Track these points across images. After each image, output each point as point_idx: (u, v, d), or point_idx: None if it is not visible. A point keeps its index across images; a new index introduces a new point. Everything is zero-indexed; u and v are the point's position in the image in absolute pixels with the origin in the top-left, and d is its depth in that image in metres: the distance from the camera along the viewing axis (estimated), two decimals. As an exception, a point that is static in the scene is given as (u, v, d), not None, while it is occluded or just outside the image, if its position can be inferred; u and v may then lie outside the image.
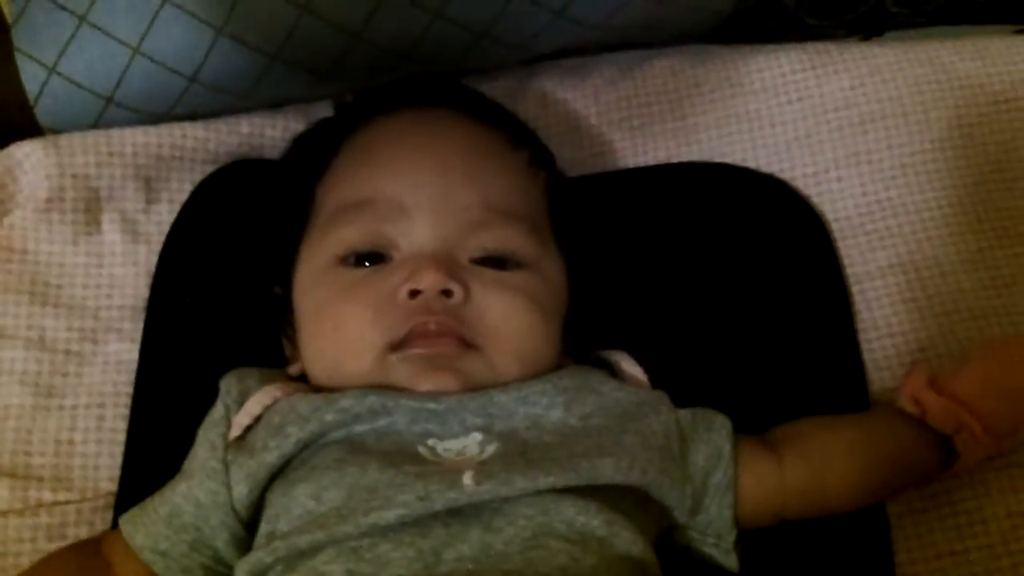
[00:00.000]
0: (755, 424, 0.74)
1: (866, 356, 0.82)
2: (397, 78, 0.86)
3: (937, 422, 0.71)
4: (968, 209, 0.87)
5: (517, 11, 0.86)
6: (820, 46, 0.94)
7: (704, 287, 0.83)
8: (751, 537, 0.72)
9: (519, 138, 0.78)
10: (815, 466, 0.72)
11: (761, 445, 0.73)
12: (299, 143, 0.83)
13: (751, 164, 0.90)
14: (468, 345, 0.68)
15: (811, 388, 0.80)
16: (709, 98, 0.92)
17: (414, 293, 0.68)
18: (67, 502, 0.77)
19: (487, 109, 0.81)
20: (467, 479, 0.62)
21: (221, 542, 0.68)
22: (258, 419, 0.69)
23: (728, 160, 0.90)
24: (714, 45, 0.95)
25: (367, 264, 0.71)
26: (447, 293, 0.68)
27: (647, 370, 0.75)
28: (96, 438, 0.79)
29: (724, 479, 0.70)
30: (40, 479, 0.77)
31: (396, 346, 0.68)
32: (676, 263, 0.84)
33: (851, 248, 0.87)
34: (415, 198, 0.71)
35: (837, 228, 0.87)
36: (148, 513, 0.70)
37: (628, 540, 0.63)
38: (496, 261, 0.71)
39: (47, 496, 0.77)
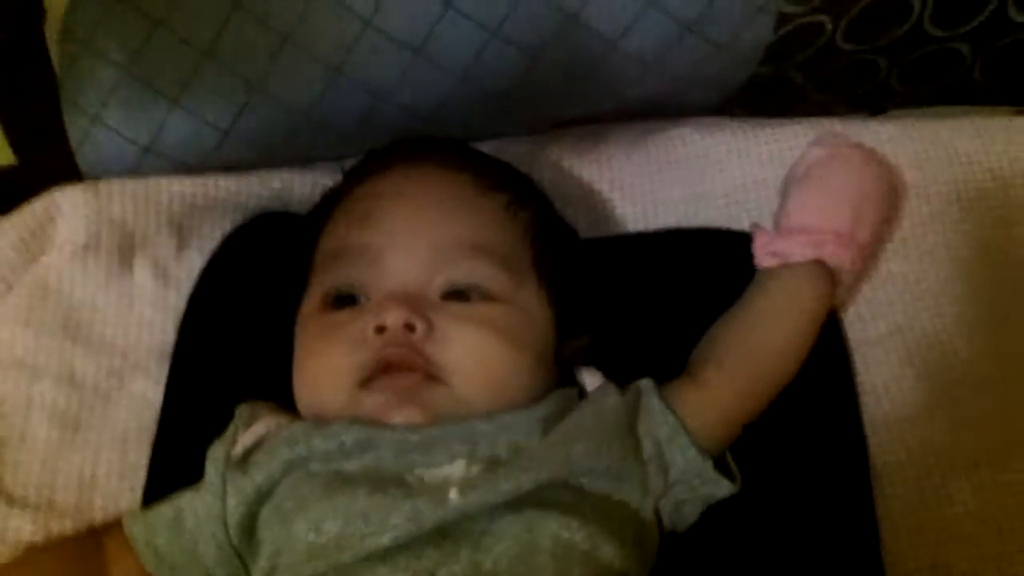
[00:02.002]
0: (758, 483, 0.77)
1: (865, 418, 0.84)
2: (412, 137, 0.90)
3: (797, 255, 0.80)
4: (966, 281, 0.90)
5: (535, 81, 0.90)
6: (825, 121, 0.97)
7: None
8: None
9: (499, 183, 0.81)
10: (733, 364, 0.78)
11: (683, 380, 0.78)
12: (315, 205, 0.87)
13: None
14: (433, 378, 0.71)
15: (813, 447, 0.82)
16: (718, 168, 0.95)
17: (380, 329, 0.71)
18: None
19: (468, 159, 0.84)
20: (453, 494, 0.66)
21: (211, 556, 0.72)
22: (260, 442, 0.73)
23: (735, 228, 0.92)
24: (724, 117, 0.98)
25: (344, 306, 0.75)
26: (410, 328, 0.71)
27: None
28: (119, 473, 0.82)
29: (668, 427, 0.74)
30: (63, 513, 0.79)
31: (365, 382, 0.71)
32: (683, 325, 0.85)
33: (852, 314, 0.89)
34: (387, 242, 0.75)
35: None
36: (153, 513, 0.74)
37: (610, 553, 0.67)
38: (463, 294, 0.74)
39: (69, 528, 0.79)
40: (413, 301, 0.72)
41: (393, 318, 0.71)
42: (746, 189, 0.94)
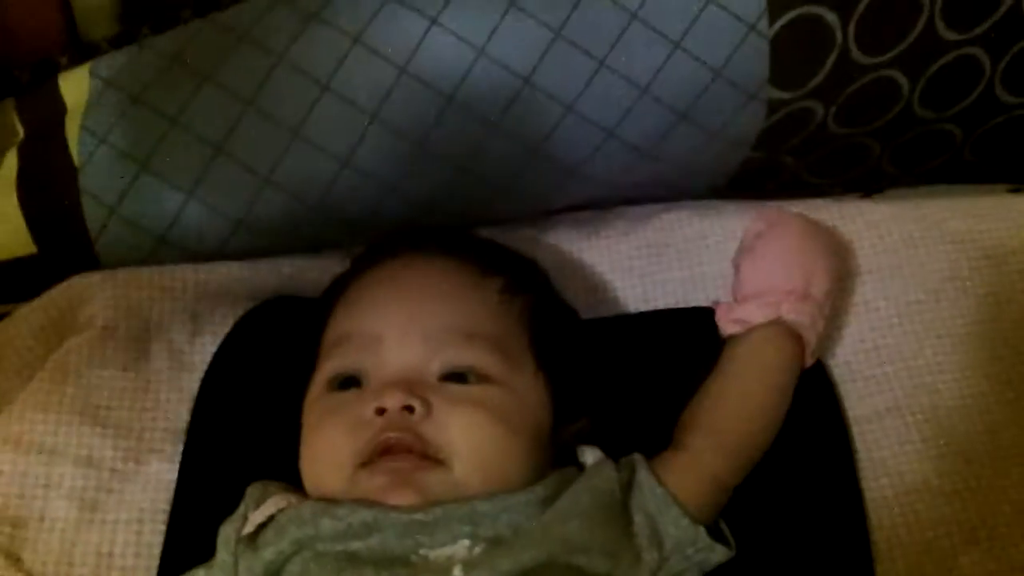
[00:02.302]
0: (758, 558, 0.78)
1: (865, 494, 0.85)
2: (415, 227, 0.93)
3: (757, 317, 0.84)
4: (963, 357, 0.91)
5: (535, 171, 0.93)
6: (820, 202, 0.98)
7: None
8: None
9: (494, 268, 0.83)
10: (713, 428, 0.81)
11: (669, 451, 0.80)
12: (323, 292, 0.90)
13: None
14: (430, 459, 0.73)
15: (813, 523, 0.83)
16: (715, 249, 0.97)
17: (380, 411, 0.74)
18: (103, 613, 0.80)
19: (466, 247, 0.87)
20: (457, 571, 0.68)
21: None
22: (271, 520, 0.74)
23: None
24: (720, 200, 1.01)
25: (347, 389, 0.78)
26: (409, 409, 0.73)
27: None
28: (134, 552, 0.83)
29: (657, 499, 0.75)
30: (80, 590, 0.81)
31: (364, 464, 0.73)
32: (683, 403, 0.86)
33: (850, 391, 0.90)
34: (385, 328, 0.78)
35: (837, 372, 0.91)
36: None
37: None
38: (460, 376, 0.76)
39: (86, 606, 0.80)
40: (411, 384, 0.75)
41: (392, 400, 0.73)
42: (742, 268, 0.96)
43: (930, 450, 0.87)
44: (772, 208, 0.95)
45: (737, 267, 0.90)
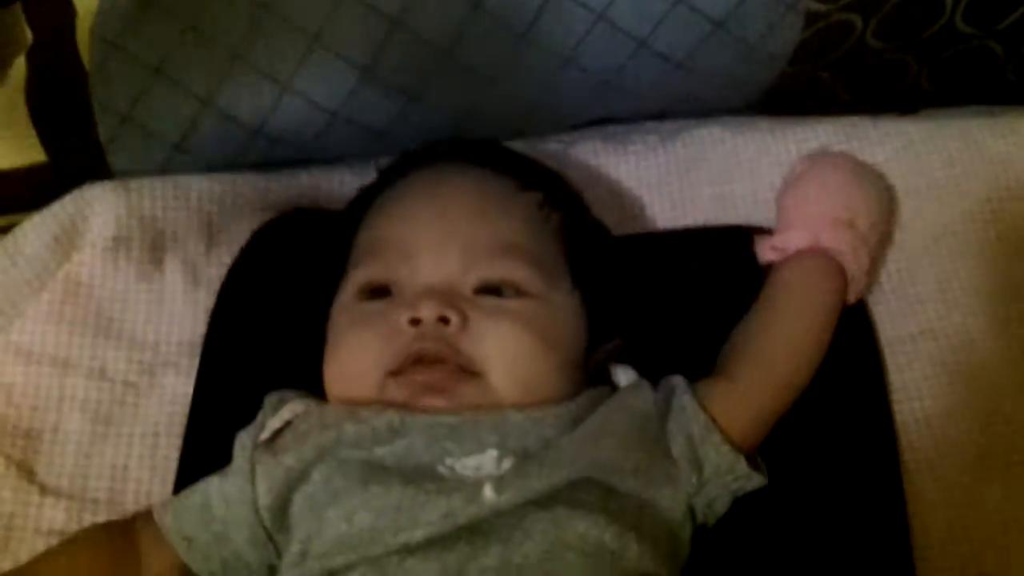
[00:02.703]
0: (788, 480, 0.77)
1: (896, 417, 0.84)
2: (447, 138, 0.91)
3: (796, 243, 0.82)
4: (997, 281, 0.89)
5: (564, 83, 0.90)
6: (856, 120, 0.96)
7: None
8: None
9: (531, 183, 0.81)
10: (758, 359, 0.79)
11: (715, 379, 0.78)
12: (351, 201, 0.88)
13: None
14: (465, 371, 0.71)
15: (843, 446, 0.81)
16: (747, 167, 0.95)
17: (414, 322, 0.72)
18: (120, 526, 0.79)
19: (502, 160, 0.85)
20: (487, 491, 0.66)
21: (242, 539, 0.72)
22: (288, 425, 0.73)
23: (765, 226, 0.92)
24: (753, 116, 0.98)
25: (379, 298, 0.76)
26: (445, 321, 0.72)
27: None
28: (150, 465, 0.83)
29: (701, 426, 0.74)
30: (95, 502, 0.81)
31: (395, 373, 0.72)
32: (711, 321, 0.86)
33: (883, 314, 0.88)
34: (419, 240, 0.76)
35: (870, 293, 0.89)
36: (181, 501, 0.74)
37: (637, 552, 0.67)
38: (495, 290, 0.74)
39: (102, 519, 0.79)
40: (447, 295, 0.73)
41: (428, 311, 0.71)
42: (774, 188, 0.93)
43: (963, 374, 0.86)
44: (820, 152, 0.93)
45: (780, 202, 0.88)
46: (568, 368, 0.75)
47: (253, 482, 0.72)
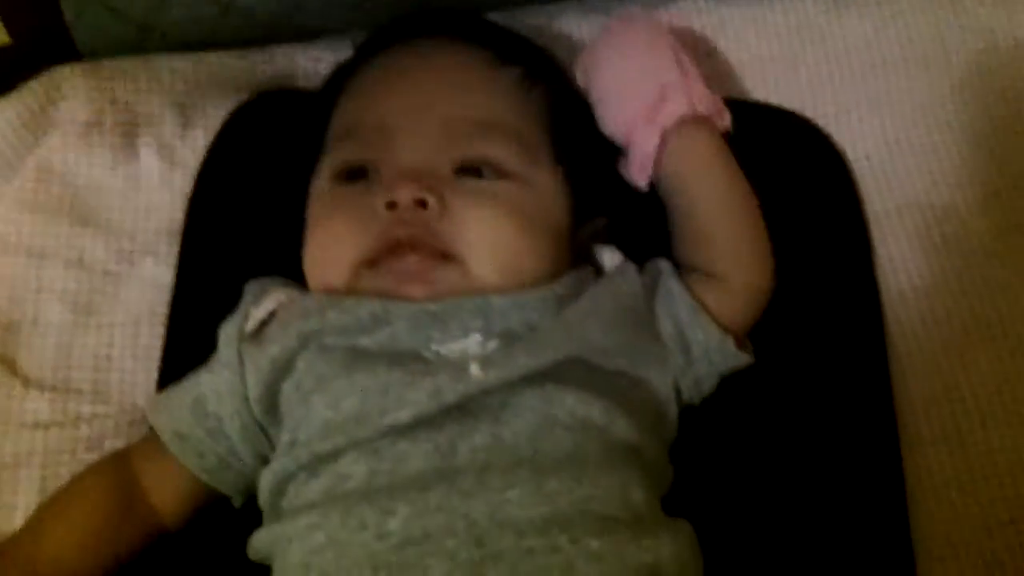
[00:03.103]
0: (773, 353, 0.77)
1: (882, 289, 0.84)
2: (419, 10, 0.87)
3: (645, 144, 0.77)
4: (984, 153, 0.89)
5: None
6: (842, -12, 0.94)
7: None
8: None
9: (511, 56, 0.79)
10: (720, 248, 0.77)
11: (698, 278, 0.76)
12: (325, 80, 0.85)
13: (774, 103, 0.91)
14: (444, 256, 0.70)
15: (829, 318, 0.82)
16: (733, 38, 0.93)
17: (391, 205, 0.70)
18: (105, 415, 0.79)
19: (481, 33, 0.82)
20: (474, 369, 0.66)
21: (235, 432, 0.72)
22: (272, 315, 0.72)
23: (751, 99, 0.91)
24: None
25: (355, 181, 0.74)
26: (422, 204, 0.70)
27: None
28: (132, 354, 0.82)
29: (688, 307, 0.74)
30: (79, 392, 0.80)
31: (371, 263, 0.70)
32: None
33: (869, 186, 0.88)
34: (396, 120, 0.74)
35: (857, 167, 0.89)
36: (173, 399, 0.74)
37: (624, 427, 0.67)
38: (476, 171, 0.73)
39: (86, 409, 0.79)
40: (425, 177, 0.71)
41: (404, 194, 0.70)
42: (761, 58, 0.93)
43: (949, 246, 0.86)
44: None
45: (596, 89, 0.82)
46: (551, 249, 0.74)
47: (242, 374, 0.71)
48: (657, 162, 0.78)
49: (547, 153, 0.76)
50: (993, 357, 0.81)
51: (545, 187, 0.75)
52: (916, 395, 0.80)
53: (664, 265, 0.77)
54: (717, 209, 0.77)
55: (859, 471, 0.76)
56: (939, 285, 0.84)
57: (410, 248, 0.70)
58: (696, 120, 0.78)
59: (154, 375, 0.81)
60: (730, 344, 0.74)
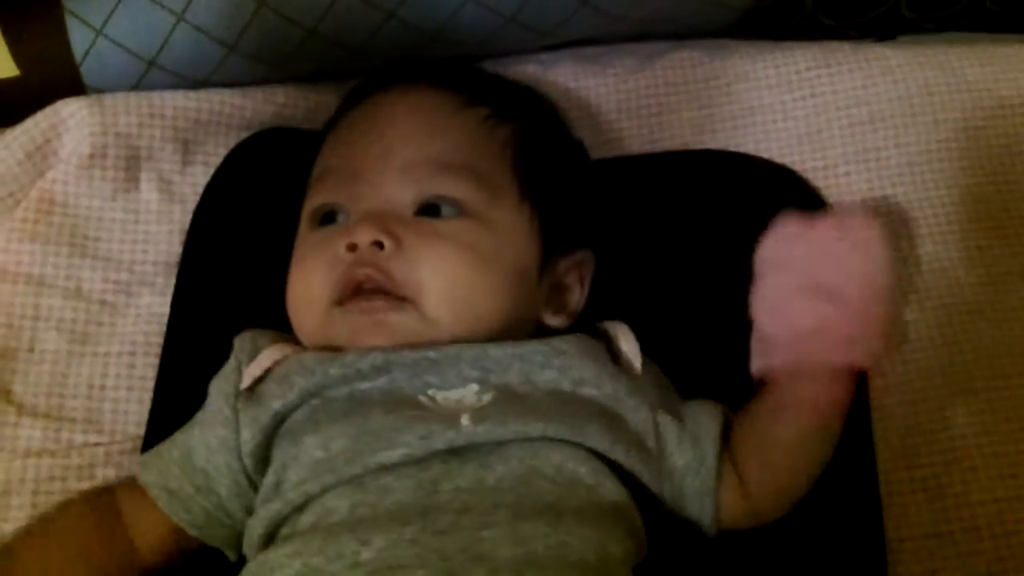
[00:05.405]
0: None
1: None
2: (419, 58, 0.90)
3: (778, 360, 0.73)
4: (970, 208, 0.90)
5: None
6: (835, 45, 0.96)
7: (713, 270, 0.85)
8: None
9: (480, 98, 0.80)
10: (763, 463, 0.74)
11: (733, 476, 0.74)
12: (324, 125, 0.87)
13: (763, 156, 0.92)
14: (400, 298, 0.71)
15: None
16: (725, 90, 0.95)
17: (352, 248, 0.72)
18: (97, 444, 0.80)
19: (456, 77, 0.83)
20: (464, 420, 0.67)
21: (224, 488, 0.72)
22: (268, 372, 0.73)
23: (741, 151, 0.92)
24: (732, 40, 0.98)
25: (328, 225, 0.76)
26: (379, 245, 0.72)
27: (647, 347, 0.77)
28: (127, 384, 0.83)
29: (704, 485, 0.73)
30: (72, 421, 0.81)
31: (338, 302, 0.72)
32: (686, 245, 0.87)
33: (855, 241, 0.89)
34: (362, 164, 0.76)
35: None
36: (162, 455, 0.74)
37: (613, 491, 0.68)
38: (433, 209, 0.74)
39: (78, 438, 0.80)
40: (384, 219, 0.73)
41: (363, 235, 0.72)
42: (752, 112, 0.94)
43: (932, 299, 0.87)
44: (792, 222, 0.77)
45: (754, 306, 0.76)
46: (511, 288, 0.74)
47: (237, 430, 0.71)
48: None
49: (513, 191, 0.77)
50: (974, 410, 0.82)
51: (507, 225, 0.76)
52: (896, 444, 0.81)
53: (714, 415, 0.75)
54: (791, 450, 0.74)
55: (839, 521, 0.77)
56: (922, 338, 0.85)
57: (369, 291, 0.71)
58: (836, 370, 0.73)
59: (147, 405, 0.82)
60: (711, 527, 0.73)
